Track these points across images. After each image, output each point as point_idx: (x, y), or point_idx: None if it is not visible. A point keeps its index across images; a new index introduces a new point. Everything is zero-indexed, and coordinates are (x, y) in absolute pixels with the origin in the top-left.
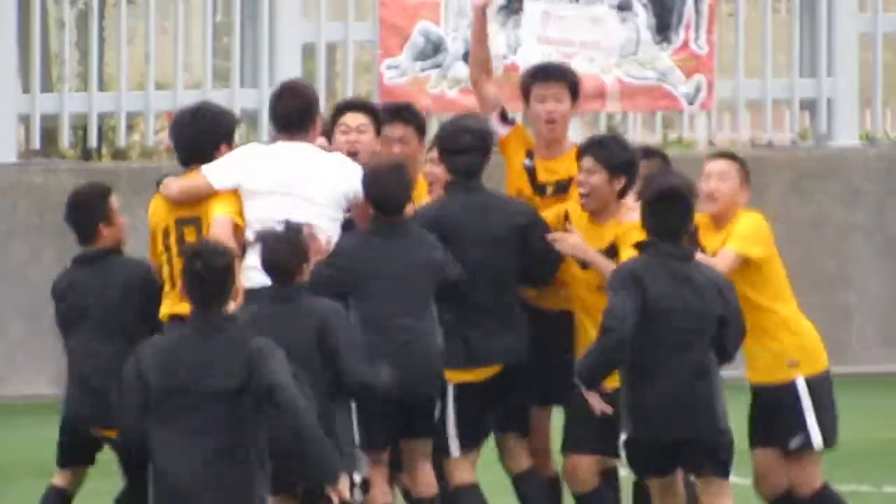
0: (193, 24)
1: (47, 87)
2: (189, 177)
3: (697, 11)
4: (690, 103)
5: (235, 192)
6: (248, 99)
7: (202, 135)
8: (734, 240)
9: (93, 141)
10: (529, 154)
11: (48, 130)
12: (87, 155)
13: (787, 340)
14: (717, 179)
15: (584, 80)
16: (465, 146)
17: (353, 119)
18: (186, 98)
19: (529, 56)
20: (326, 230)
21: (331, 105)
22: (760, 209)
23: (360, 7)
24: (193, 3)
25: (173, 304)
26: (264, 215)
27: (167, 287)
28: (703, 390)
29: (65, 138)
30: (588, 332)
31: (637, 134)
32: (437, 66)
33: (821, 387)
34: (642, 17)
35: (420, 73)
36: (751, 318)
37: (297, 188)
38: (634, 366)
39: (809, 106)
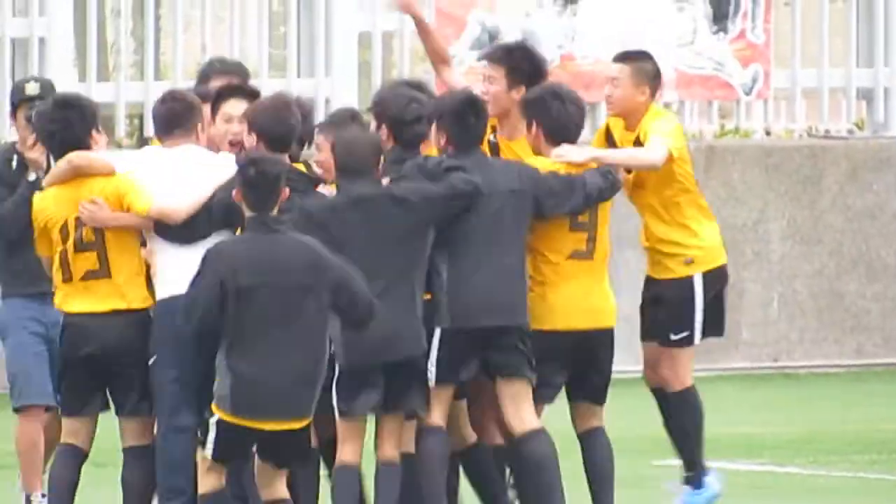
0: (249, 13)
1: (103, 76)
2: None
3: (754, 1)
4: (747, 93)
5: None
6: (304, 88)
7: (73, 125)
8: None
9: (149, 130)
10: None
11: (104, 119)
12: (143, 144)
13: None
14: (610, 85)
15: None
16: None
17: (237, 107)
18: None
19: (586, 46)
20: None
21: None
22: (817, 199)
23: None
24: None
25: (76, 301)
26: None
27: (59, 279)
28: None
29: (121, 127)
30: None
31: (694, 123)
32: None
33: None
34: (699, 6)
35: (476, 62)
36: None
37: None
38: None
39: (866, 95)
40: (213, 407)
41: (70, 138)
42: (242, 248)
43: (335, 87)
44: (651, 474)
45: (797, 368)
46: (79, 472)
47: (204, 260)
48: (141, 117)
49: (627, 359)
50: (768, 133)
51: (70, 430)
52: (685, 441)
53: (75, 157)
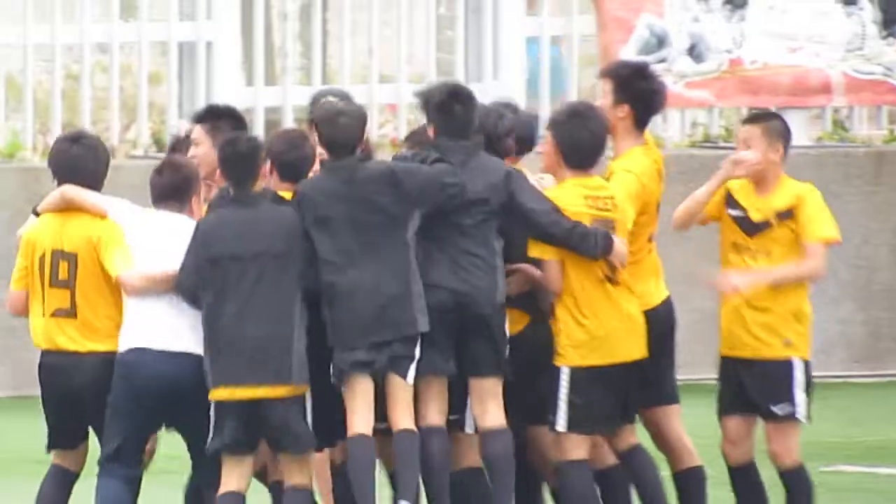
0: (417, 17)
1: (271, 80)
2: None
3: None
4: None
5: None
6: None
7: (93, 161)
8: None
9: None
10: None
11: (271, 123)
12: None
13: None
14: (742, 146)
15: (809, 74)
16: None
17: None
18: (410, 91)
19: (754, 51)
20: None
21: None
22: None
23: (583, 0)
24: None
25: (47, 338)
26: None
27: (39, 313)
28: None
29: None
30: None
31: (863, 128)
32: (662, 60)
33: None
34: (868, 11)
35: None
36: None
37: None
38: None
39: None
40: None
41: (83, 173)
42: (220, 220)
43: (503, 92)
44: (819, 480)
45: None
46: (68, 492)
47: (193, 233)
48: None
49: None
50: None
51: (58, 455)
52: None
53: (69, 189)
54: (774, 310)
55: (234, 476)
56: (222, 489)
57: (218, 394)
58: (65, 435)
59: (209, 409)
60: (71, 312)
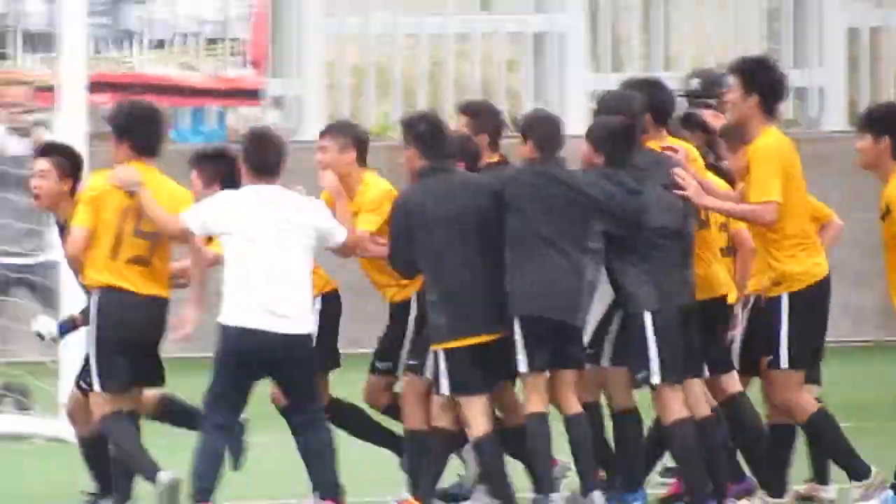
0: (750, 9)
1: (616, 67)
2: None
3: None
4: None
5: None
6: (797, 79)
7: None
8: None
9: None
10: None
11: None
12: None
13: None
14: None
15: None
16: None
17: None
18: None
19: None
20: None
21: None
22: None
23: None
24: None
25: (114, 277)
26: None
27: (107, 255)
28: None
29: None
30: None
31: None
32: None
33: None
34: None
35: None
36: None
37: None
38: None
39: None
40: (434, 346)
41: None
42: (423, 189)
43: (828, 78)
44: None
45: None
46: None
47: (393, 208)
48: None
49: None
50: None
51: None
52: None
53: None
54: None
55: (483, 416)
56: (478, 431)
57: (453, 344)
58: None
59: None
60: None
